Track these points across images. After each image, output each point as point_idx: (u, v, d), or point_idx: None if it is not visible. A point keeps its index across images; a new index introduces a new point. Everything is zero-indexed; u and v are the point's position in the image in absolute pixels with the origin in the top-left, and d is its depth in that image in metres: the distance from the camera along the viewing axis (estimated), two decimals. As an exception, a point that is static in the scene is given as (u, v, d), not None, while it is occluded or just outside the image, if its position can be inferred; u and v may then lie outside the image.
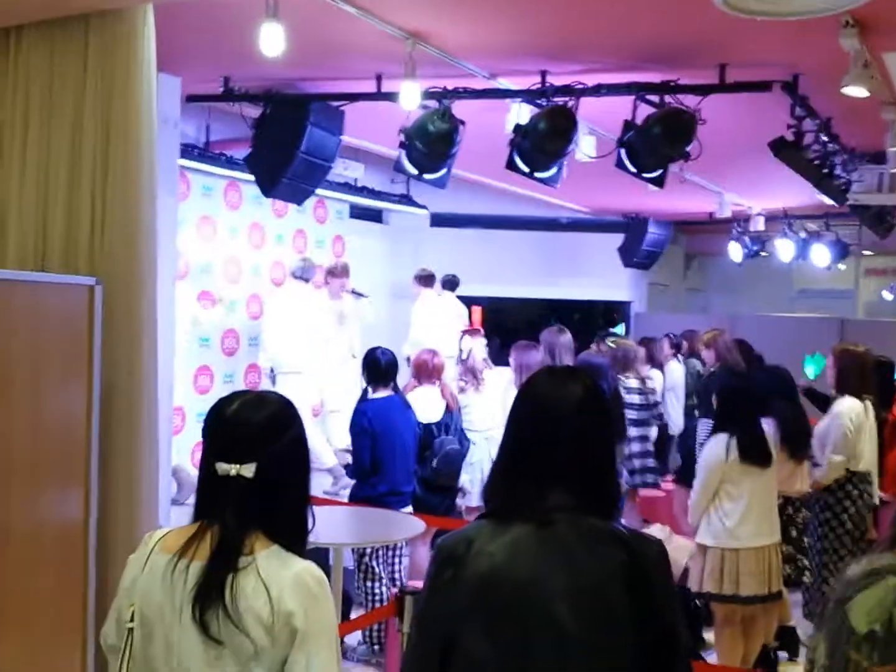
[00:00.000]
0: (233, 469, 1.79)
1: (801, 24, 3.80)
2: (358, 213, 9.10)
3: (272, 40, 3.47)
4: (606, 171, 5.64)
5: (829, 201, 6.13)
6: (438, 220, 9.89)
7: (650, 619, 1.69)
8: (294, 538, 1.84)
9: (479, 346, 6.34)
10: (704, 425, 5.64)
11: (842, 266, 12.01)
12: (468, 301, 9.06)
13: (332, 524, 4.27)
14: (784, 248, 10.00)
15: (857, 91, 3.92)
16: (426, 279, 8.63)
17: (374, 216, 9.57)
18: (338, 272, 7.63)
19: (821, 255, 10.02)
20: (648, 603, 1.69)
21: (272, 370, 7.20)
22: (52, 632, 3.12)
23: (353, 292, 7.77)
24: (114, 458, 3.36)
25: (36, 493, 3.11)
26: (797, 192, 7.71)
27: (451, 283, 8.82)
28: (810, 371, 6.47)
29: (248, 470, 1.79)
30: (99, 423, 3.25)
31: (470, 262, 9.46)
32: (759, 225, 9.74)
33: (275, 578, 1.76)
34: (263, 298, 7.66)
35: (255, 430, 1.84)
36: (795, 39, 4.11)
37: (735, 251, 10.33)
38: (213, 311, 7.29)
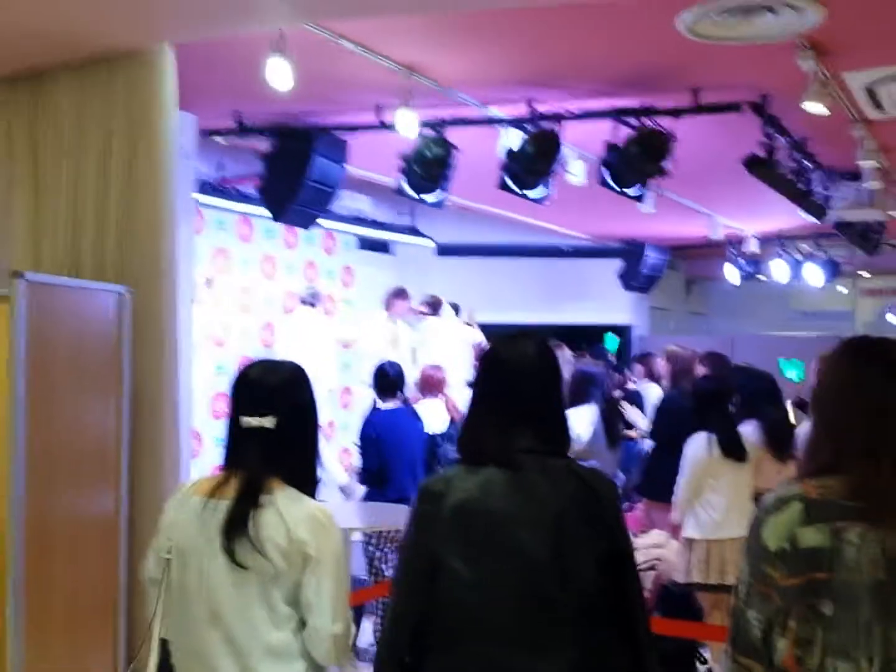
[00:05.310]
0: (255, 421, 2.11)
1: (765, 47, 4.15)
2: (366, 244, 9.45)
3: (280, 74, 3.82)
4: (604, 197, 5.96)
5: (809, 218, 6.43)
6: (444, 251, 10.26)
7: (605, 541, 1.98)
8: (306, 482, 2.16)
9: None
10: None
11: (841, 288, 12.31)
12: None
13: (342, 515, 4.57)
14: (779, 270, 10.26)
15: (815, 108, 4.25)
16: (433, 306, 8.98)
17: (382, 247, 9.93)
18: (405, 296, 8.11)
19: (815, 274, 10.30)
20: (603, 527, 1.98)
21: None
22: (91, 605, 3.44)
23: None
24: (140, 459, 3.67)
25: (75, 490, 3.42)
26: (787, 214, 8.02)
27: (454, 311, 9.15)
28: (793, 375, 6.71)
29: (269, 422, 2.11)
30: (130, 426, 3.57)
31: (475, 290, 9.79)
32: (752, 247, 10.00)
33: (291, 513, 2.07)
34: (276, 327, 8.01)
35: (275, 389, 2.16)
36: (761, 62, 4.46)
37: (731, 274, 10.59)
38: (229, 339, 7.62)
